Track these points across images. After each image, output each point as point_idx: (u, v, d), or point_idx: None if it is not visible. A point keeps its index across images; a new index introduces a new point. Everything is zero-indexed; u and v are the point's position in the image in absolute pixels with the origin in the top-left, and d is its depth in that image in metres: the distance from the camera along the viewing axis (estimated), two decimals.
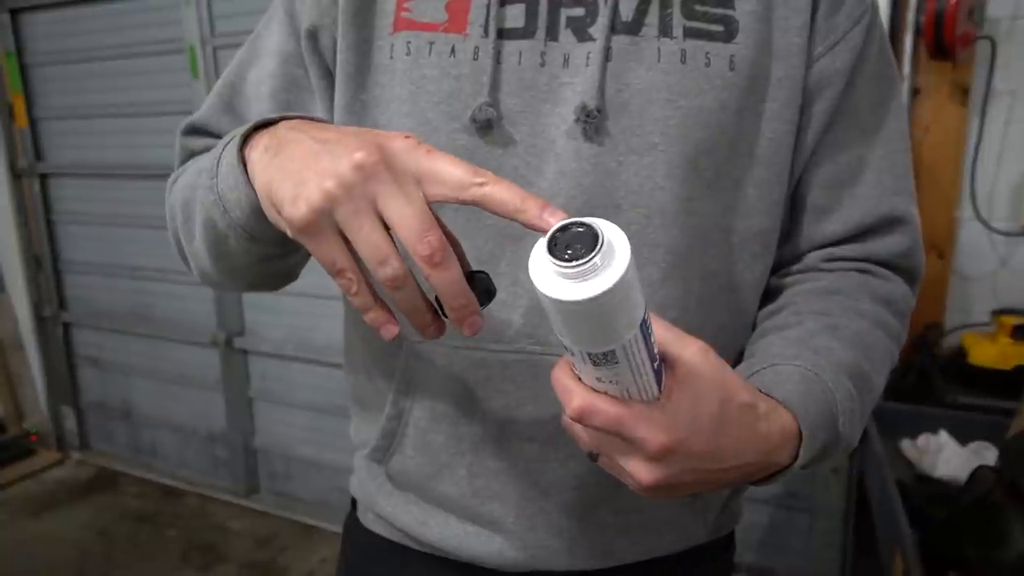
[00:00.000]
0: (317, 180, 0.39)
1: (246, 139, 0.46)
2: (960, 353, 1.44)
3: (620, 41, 0.52)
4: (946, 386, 1.38)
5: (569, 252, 0.35)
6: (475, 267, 0.44)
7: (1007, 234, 1.47)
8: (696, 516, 0.61)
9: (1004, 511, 0.81)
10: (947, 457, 1.19)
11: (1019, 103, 1.42)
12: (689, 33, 0.52)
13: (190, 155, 0.63)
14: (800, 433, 0.45)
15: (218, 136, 0.63)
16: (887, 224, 0.59)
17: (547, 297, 0.35)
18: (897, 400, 1.44)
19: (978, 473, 0.91)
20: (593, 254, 0.34)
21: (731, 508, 0.65)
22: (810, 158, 0.58)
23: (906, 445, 1.27)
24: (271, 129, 0.46)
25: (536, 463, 0.57)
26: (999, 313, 1.41)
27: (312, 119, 0.48)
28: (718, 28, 0.52)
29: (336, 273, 0.41)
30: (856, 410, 0.50)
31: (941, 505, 1.01)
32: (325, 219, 0.39)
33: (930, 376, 1.42)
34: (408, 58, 0.54)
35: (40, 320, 2.82)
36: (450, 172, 0.39)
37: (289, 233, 0.41)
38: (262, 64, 0.62)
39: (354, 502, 0.72)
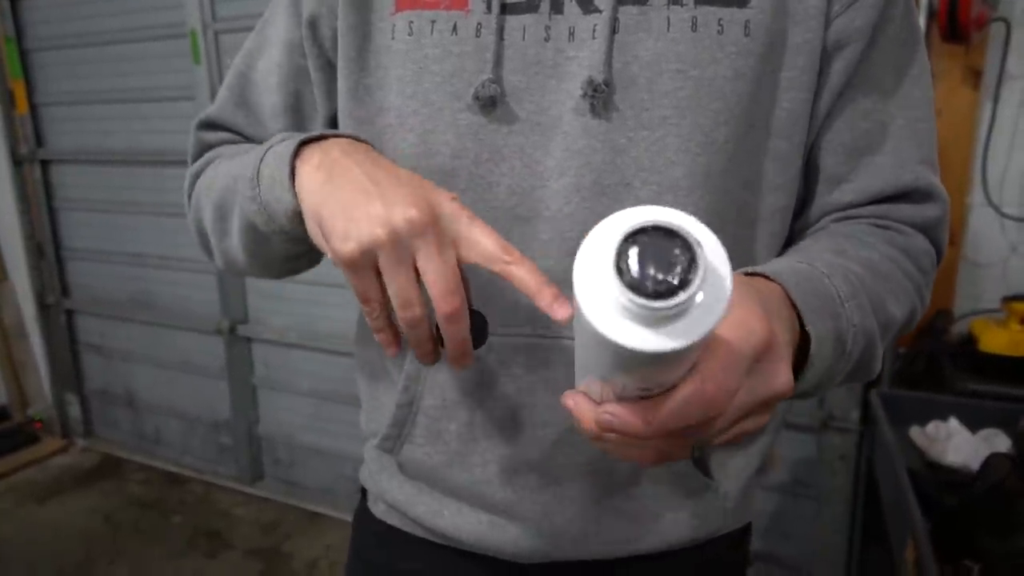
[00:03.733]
0: (369, 224, 0.42)
1: (297, 152, 0.49)
2: (970, 340, 1.42)
3: (628, 11, 0.50)
4: (956, 373, 1.37)
5: (652, 279, 0.24)
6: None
7: (1019, 220, 1.46)
8: (715, 504, 0.60)
9: (1019, 498, 0.80)
10: (957, 444, 1.19)
11: None
12: (700, 0, 0.50)
13: (206, 148, 0.65)
14: (787, 294, 0.44)
15: (232, 130, 0.64)
16: (911, 195, 0.56)
17: (618, 345, 0.25)
18: (906, 387, 1.44)
19: (992, 460, 0.90)
20: (691, 287, 0.24)
21: (748, 497, 0.64)
22: (824, 121, 0.55)
23: (915, 432, 1.26)
24: (321, 145, 0.49)
25: (549, 450, 0.57)
26: (1010, 299, 1.39)
27: (360, 142, 0.51)
28: None
29: (365, 302, 0.45)
30: (862, 299, 0.48)
31: (952, 493, 1.00)
32: (368, 258, 0.43)
33: (940, 363, 1.41)
34: (410, 38, 0.53)
35: (43, 307, 2.82)
36: (485, 243, 0.43)
37: (332, 261, 0.45)
38: (270, 54, 0.61)
39: (364, 492, 0.71)
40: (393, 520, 0.66)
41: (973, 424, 1.22)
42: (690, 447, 0.38)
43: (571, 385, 0.55)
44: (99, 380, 2.86)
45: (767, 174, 0.54)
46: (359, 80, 0.56)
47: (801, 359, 0.44)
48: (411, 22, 0.53)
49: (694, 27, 0.50)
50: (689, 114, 0.50)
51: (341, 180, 0.45)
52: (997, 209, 1.46)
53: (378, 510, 0.68)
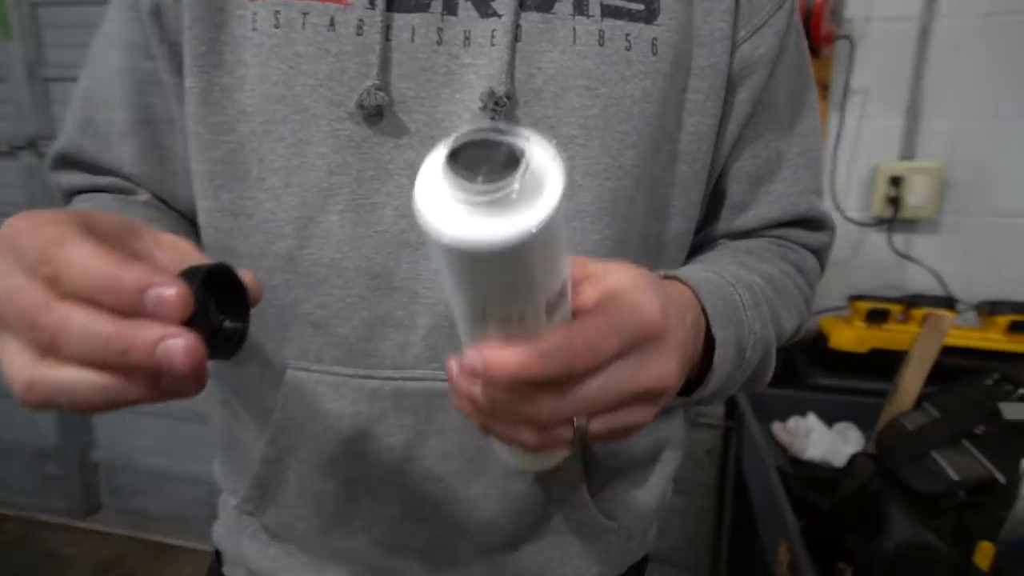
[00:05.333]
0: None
1: None
2: (820, 337, 1.52)
3: (530, 18, 0.45)
4: (808, 369, 1.45)
5: (474, 170, 0.26)
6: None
7: (860, 224, 1.57)
8: (619, 545, 0.58)
9: (883, 499, 0.84)
10: (815, 440, 1.25)
11: (872, 101, 1.50)
12: (607, 12, 0.46)
13: (67, 197, 0.54)
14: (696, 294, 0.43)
15: (82, 161, 0.54)
16: (806, 223, 0.58)
17: (451, 241, 0.26)
18: (767, 384, 1.51)
19: (857, 461, 0.94)
20: (512, 177, 0.26)
21: (650, 530, 0.64)
22: (732, 150, 0.55)
23: (777, 428, 1.33)
24: None
25: (444, 506, 0.50)
26: (854, 299, 1.49)
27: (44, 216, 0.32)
28: (638, 7, 0.47)
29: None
30: (763, 308, 0.48)
31: (817, 490, 1.05)
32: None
33: (794, 359, 1.50)
34: (277, 31, 0.45)
35: None
36: None
37: None
38: (110, 63, 0.51)
39: (218, 554, 0.61)
40: None
41: (828, 418, 1.29)
42: (565, 421, 0.34)
43: (466, 427, 0.49)
44: None
45: (670, 200, 0.52)
46: (212, 80, 0.47)
47: (705, 366, 0.43)
48: (277, 12, 0.45)
49: (601, 41, 0.46)
50: (597, 135, 0.46)
51: None
52: (842, 213, 1.56)
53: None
